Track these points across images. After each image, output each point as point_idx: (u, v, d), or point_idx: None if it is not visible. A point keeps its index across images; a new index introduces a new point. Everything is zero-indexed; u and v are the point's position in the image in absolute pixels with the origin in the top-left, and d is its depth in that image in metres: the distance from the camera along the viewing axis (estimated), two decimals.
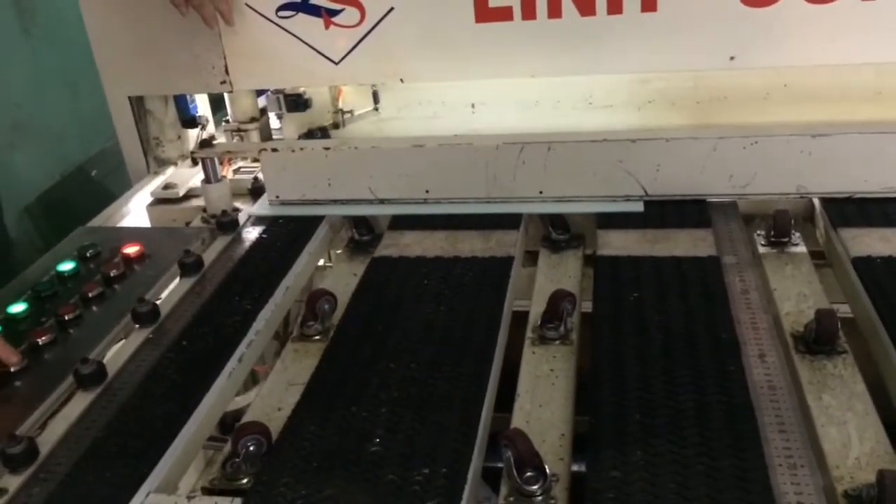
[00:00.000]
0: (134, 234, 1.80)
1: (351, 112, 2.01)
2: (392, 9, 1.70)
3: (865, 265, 1.35)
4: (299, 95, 1.91)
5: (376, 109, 2.00)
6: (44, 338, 1.35)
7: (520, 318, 1.38)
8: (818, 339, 1.18)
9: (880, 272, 1.33)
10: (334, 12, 1.73)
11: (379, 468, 1.01)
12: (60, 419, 1.16)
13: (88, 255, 1.63)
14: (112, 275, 1.53)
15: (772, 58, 1.63)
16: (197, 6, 1.64)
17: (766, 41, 1.59)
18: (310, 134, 1.98)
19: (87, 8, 1.88)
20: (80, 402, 1.19)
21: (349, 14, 1.72)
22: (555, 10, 1.63)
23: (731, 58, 1.63)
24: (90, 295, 1.47)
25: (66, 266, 1.58)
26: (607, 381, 1.13)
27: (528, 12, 1.65)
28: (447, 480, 0.97)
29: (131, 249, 1.62)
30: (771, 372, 1.13)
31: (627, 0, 1.59)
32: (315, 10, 1.73)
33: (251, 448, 1.05)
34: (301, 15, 1.75)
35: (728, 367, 1.13)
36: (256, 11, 1.76)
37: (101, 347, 1.35)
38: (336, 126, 1.99)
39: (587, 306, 1.38)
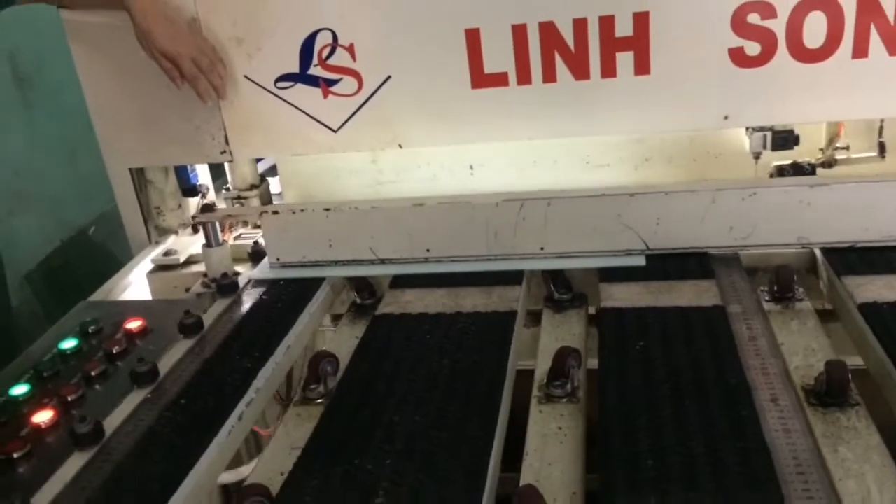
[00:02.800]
0: (136, 307, 1.78)
1: (847, 147, 1.76)
2: (389, 77, 1.72)
3: (873, 311, 1.34)
4: (790, 132, 1.71)
5: (883, 156, 1.73)
6: (46, 419, 1.30)
7: (524, 377, 1.36)
8: (829, 391, 1.16)
9: (888, 317, 1.31)
10: (332, 82, 1.75)
11: None
12: (55, 480, 1.12)
13: (91, 330, 1.61)
14: (115, 351, 1.51)
15: (764, 116, 1.66)
16: (191, 80, 1.66)
17: (759, 100, 1.62)
18: (790, 168, 1.77)
19: (87, 81, 1.90)
20: (76, 462, 1.15)
21: (347, 83, 1.74)
22: (549, 75, 1.65)
23: (725, 117, 1.65)
24: (93, 374, 1.44)
25: (69, 343, 1.56)
26: (618, 430, 1.10)
27: (524, 77, 1.67)
28: None
29: (134, 324, 1.60)
30: (785, 415, 1.10)
31: (621, 64, 1.61)
32: (313, 81, 1.75)
33: None
34: (299, 85, 1.77)
35: (741, 411, 1.10)
36: (255, 83, 1.78)
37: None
38: (829, 164, 1.76)
39: (593, 364, 1.36)
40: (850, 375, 1.18)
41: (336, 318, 1.79)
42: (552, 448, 1.16)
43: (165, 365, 1.41)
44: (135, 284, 1.98)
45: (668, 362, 1.25)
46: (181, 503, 1.07)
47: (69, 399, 1.36)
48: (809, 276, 1.60)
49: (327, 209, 1.72)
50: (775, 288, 1.50)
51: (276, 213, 1.74)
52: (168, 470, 1.12)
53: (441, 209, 1.67)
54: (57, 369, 1.48)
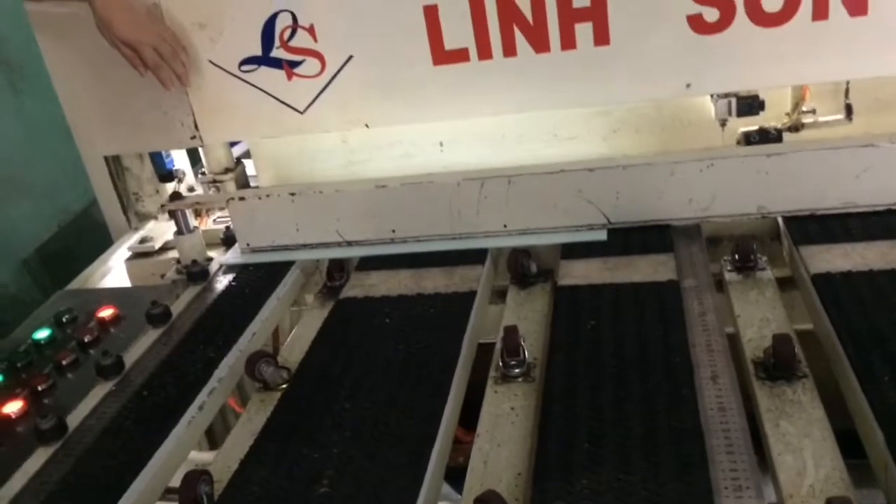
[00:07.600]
0: (110, 295, 1.81)
1: (813, 111, 1.74)
2: (351, 57, 1.72)
3: (825, 282, 1.34)
4: (755, 97, 1.69)
5: (850, 118, 1.72)
6: (16, 409, 1.34)
7: (489, 350, 1.37)
8: (777, 364, 1.17)
9: (839, 288, 1.32)
10: (296, 63, 1.75)
11: None
12: (17, 476, 1.16)
13: (65, 320, 1.64)
14: (86, 340, 1.55)
15: (726, 82, 1.64)
16: (153, 68, 1.67)
17: (720, 66, 1.59)
18: (757, 133, 1.75)
19: (56, 71, 1.91)
20: (39, 457, 1.19)
21: (310, 64, 1.74)
22: (509, 49, 1.64)
23: (688, 85, 1.63)
24: (63, 363, 1.48)
25: (42, 333, 1.59)
26: (558, 412, 1.12)
27: (484, 52, 1.65)
28: None
29: (105, 313, 1.63)
30: (722, 393, 1.11)
31: (580, 35, 1.59)
32: (276, 63, 1.76)
33: None
34: (263, 68, 1.77)
35: (680, 390, 1.12)
36: (220, 67, 1.78)
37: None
38: (796, 129, 1.74)
39: None
40: (795, 349, 1.19)
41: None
42: (503, 429, 1.18)
43: (132, 356, 1.44)
44: (114, 271, 2.01)
45: (616, 341, 1.26)
46: (137, 494, 1.10)
47: (39, 389, 1.40)
48: (775, 243, 1.60)
49: (292, 193, 1.73)
50: (737, 257, 1.51)
51: (242, 199, 1.75)
52: (126, 463, 1.15)
53: (404, 190, 1.68)
54: (31, 359, 1.52)
